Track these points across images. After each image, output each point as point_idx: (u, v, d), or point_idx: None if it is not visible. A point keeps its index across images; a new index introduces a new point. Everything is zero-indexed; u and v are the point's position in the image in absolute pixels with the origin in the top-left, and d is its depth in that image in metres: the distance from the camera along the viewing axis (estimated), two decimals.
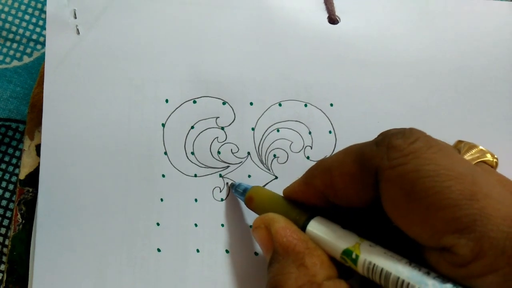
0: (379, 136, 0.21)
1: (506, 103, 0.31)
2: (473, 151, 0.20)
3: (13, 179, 0.31)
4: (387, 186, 0.18)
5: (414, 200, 0.17)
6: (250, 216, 0.28)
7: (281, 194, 0.24)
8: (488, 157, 0.20)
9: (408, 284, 0.17)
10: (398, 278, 0.18)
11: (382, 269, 0.18)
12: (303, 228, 0.22)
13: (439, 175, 0.17)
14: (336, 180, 0.20)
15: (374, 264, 0.19)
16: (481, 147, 0.21)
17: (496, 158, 0.21)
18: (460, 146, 0.21)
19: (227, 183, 0.29)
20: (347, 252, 0.20)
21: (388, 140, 0.19)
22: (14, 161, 0.31)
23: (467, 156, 0.20)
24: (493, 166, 0.21)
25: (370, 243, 0.20)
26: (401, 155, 0.18)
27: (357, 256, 0.19)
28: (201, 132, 0.29)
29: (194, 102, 0.29)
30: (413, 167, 0.17)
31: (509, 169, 0.31)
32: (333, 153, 0.21)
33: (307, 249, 0.20)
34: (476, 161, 0.20)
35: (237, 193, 0.27)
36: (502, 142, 0.31)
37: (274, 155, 0.29)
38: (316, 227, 0.21)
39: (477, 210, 0.16)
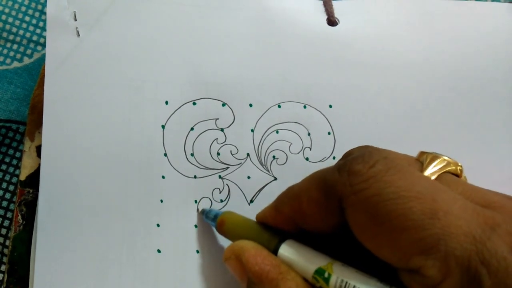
0: (341, 159, 0.21)
1: (504, 104, 0.32)
2: (436, 162, 0.20)
3: (14, 180, 0.31)
4: (352, 212, 0.18)
5: (379, 224, 0.17)
6: (250, 217, 0.29)
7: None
8: (452, 166, 0.20)
9: None
10: None
11: (354, 287, 0.19)
12: (275, 251, 0.22)
13: (399, 197, 0.17)
14: (304, 207, 0.21)
15: (347, 282, 0.19)
16: (444, 157, 0.21)
17: (461, 166, 0.21)
18: (423, 158, 0.21)
19: (197, 209, 0.28)
20: (319, 272, 0.20)
21: (349, 166, 0.19)
22: (14, 162, 0.31)
23: (431, 168, 0.20)
24: (458, 174, 0.21)
25: (342, 263, 0.20)
26: (362, 180, 0.18)
27: (329, 275, 0.19)
28: (200, 133, 0.29)
29: (194, 103, 0.29)
30: (374, 191, 0.18)
31: (508, 171, 0.31)
32: (302, 180, 0.22)
33: (280, 274, 0.21)
34: (439, 173, 0.20)
35: (208, 219, 0.27)
36: (500, 143, 0.31)
37: (274, 157, 0.29)
38: (288, 250, 0.21)
39: (439, 229, 0.16)
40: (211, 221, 0.27)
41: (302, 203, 0.21)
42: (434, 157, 0.21)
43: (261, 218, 0.24)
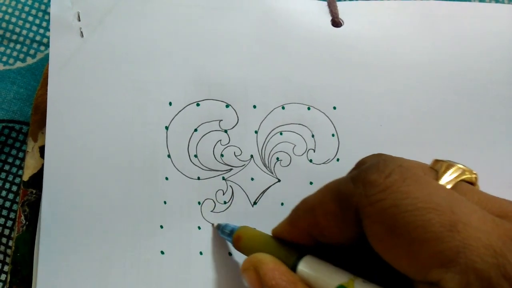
0: (354, 168, 0.21)
1: (507, 106, 0.31)
2: (451, 170, 0.20)
3: (17, 180, 0.31)
4: (369, 223, 0.18)
5: (396, 236, 0.17)
6: (254, 219, 0.29)
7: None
8: (467, 174, 0.20)
9: None
10: None
11: None
12: (293, 267, 0.21)
13: (417, 208, 0.17)
14: (319, 220, 0.20)
15: None
16: (459, 165, 0.20)
17: (475, 174, 0.21)
18: (438, 166, 0.20)
19: (212, 224, 0.28)
20: None
21: (364, 176, 0.19)
22: (17, 162, 0.31)
23: (446, 177, 0.20)
24: (473, 182, 0.21)
25: (363, 279, 0.19)
26: (378, 191, 0.18)
27: None
28: (204, 135, 0.29)
29: (198, 105, 0.29)
30: (391, 202, 0.17)
31: (511, 172, 0.31)
32: (315, 192, 0.22)
33: None
34: (455, 181, 0.20)
35: (224, 234, 0.27)
36: (503, 145, 0.31)
37: (277, 158, 0.29)
38: (307, 266, 0.21)
39: (459, 241, 0.16)
40: (227, 236, 0.26)
41: (317, 216, 0.20)
42: (449, 165, 0.20)
43: (277, 233, 0.24)
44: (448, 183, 0.20)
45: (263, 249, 0.23)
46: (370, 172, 0.19)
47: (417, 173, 0.19)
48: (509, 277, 0.15)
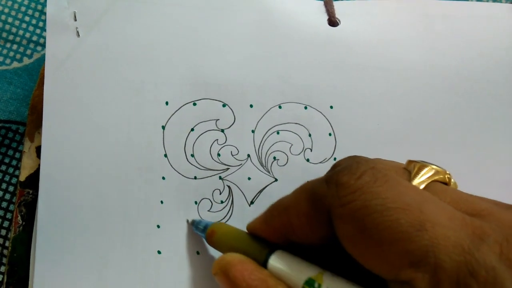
0: (330, 170, 0.21)
1: (506, 106, 0.31)
2: (424, 171, 0.20)
3: (13, 180, 0.31)
4: (340, 224, 0.18)
5: (367, 237, 0.17)
6: (251, 219, 0.28)
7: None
8: (440, 175, 0.20)
9: None
10: None
11: None
12: (265, 262, 0.22)
13: (386, 209, 0.17)
14: (293, 220, 0.21)
15: None
16: (432, 166, 0.20)
17: (449, 174, 0.21)
18: (411, 167, 0.20)
19: (187, 220, 0.28)
20: (309, 282, 0.20)
21: (336, 177, 0.19)
22: (14, 162, 0.31)
23: (419, 177, 0.20)
24: (446, 182, 0.21)
25: (332, 273, 0.20)
26: (349, 192, 0.18)
27: (319, 286, 0.19)
28: (201, 134, 0.29)
29: (194, 104, 0.29)
30: (361, 204, 0.18)
31: (510, 173, 0.31)
32: (291, 192, 0.22)
33: None
34: (428, 182, 0.20)
35: (198, 230, 0.27)
36: (502, 145, 0.31)
37: (274, 158, 0.29)
38: (278, 261, 0.21)
39: (427, 241, 0.16)
40: (201, 232, 0.27)
41: (291, 216, 0.21)
42: (422, 166, 0.20)
43: (252, 230, 0.24)
44: (420, 183, 0.20)
45: (236, 245, 0.23)
46: (342, 173, 0.19)
47: (388, 174, 0.19)
48: (476, 274, 0.15)
